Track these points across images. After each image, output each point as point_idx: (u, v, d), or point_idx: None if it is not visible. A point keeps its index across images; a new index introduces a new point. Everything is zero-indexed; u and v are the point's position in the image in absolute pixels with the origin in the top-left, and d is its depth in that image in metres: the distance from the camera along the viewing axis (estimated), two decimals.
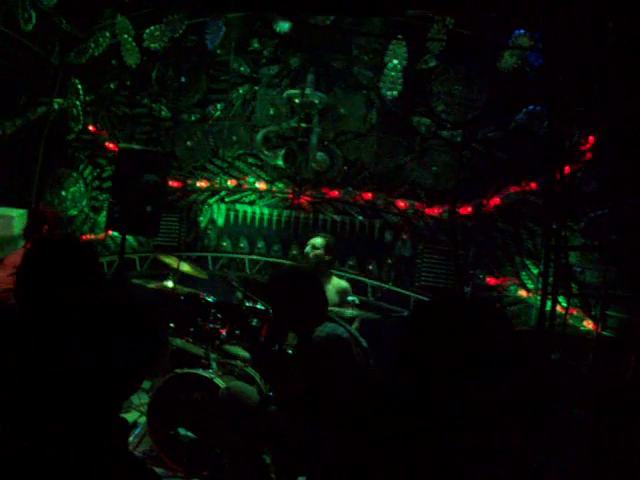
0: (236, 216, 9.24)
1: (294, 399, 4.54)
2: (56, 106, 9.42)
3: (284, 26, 8.77)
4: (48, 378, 2.10)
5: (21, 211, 8.03)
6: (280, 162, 9.02)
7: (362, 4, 8.25)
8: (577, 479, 5.74)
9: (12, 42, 8.62)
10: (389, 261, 8.73)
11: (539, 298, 7.22)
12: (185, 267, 7.16)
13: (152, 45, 8.96)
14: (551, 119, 7.61)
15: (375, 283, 8.73)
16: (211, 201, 9.33)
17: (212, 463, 5.63)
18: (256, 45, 9.00)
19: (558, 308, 6.90)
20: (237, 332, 6.49)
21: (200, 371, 6.01)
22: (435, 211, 8.58)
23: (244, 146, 9.23)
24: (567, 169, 7.26)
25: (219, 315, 6.54)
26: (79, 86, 9.39)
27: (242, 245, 9.16)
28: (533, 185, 8.14)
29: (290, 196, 9.07)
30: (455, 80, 8.52)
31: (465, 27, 8.22)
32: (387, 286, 8.70)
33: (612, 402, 6.16)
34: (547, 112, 7.88)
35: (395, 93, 8.54)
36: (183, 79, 9.30)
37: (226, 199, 9.29)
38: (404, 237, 8.70)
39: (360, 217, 8.85)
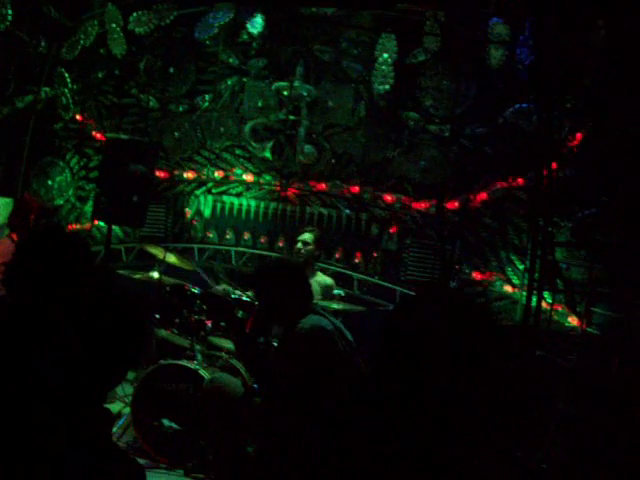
0: (223, 208, 9.22)
1: (278, 391, 4.54)
2: (44, 95, 9.37)
3: (257, 26, 8.73)
4: (33, 367, 2.09)
5: (7, 200, 8.01)
6: (268, 154, 9.01)
7: None
8: (561, 474, 5.76)
9: None
10: (375, 255, 8.74)
11: (524, 294, 7.24)
12: (171, 258, 7.13)
13: (137, 29, 8.91)
14: (539, 115, 7.62)
15: (361, 277, 8.74)
16: (198, 192, 9.30)
17: (196, 454, 5.63)
18: (245, 37, 8.97)
19: (543, 304, 6.92)
20: (222, 324, 6.48)
21: (185, 362, 6.00)
22: (422, 205, 8.59)
23: (232, 138, 9.22)
24: (554, 165, 7.27)
25: (204, 307, 6.53)
26: (66, 75, 9.33)
27: (228, 237, 9.14)
28: (520, 181, 8.16)
29: (277, 188, 9.06)
30: (444, 75, 8.52)
31: (454, 22, 8.23)
32: (373, 280, 8.71)
33: (596, 398, 6.19)
34: (535, 108, 7.89)
35: (387, 87, 8.54)
36: (171, 70, 9.26)
37: (213, 190, 9.27)
38: (391, 231, 8.70)
39: (347, 210, 8.85)
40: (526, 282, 7.20)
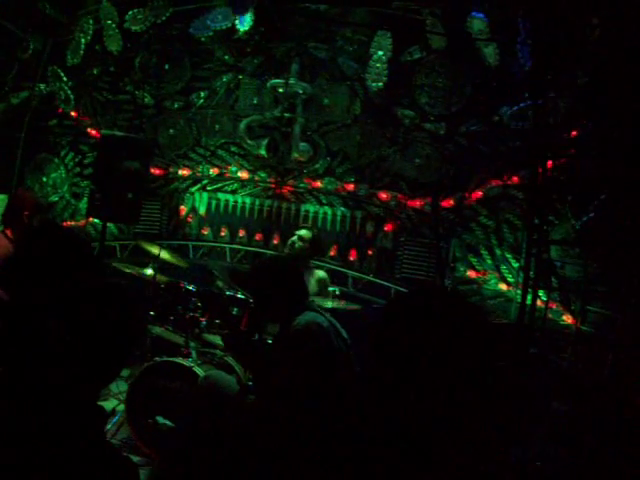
0: (218, 205, 9.22)
1: (273, 388, 4.54)
2: (39, 91, 9.34)
3: (245, 24, 8.71)
4: (27, 363, 2.08)
5: (1, 196, 7.97)
6: (263, 151, 9.01)
7: None
8: (555, 471, 5.77)
9: None
10: (370, 252, 8.74)
11: (519, 292, 7.24)
12: (166, 255, 7.12)
13: (133, 27, 8.89)
14: (535, 114, 7.62)
15: (356, 274, 8.74)
16: (193, 189, 9.30)
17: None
18: (241, 34, 8.95)
19: (538, 302, 6.93)
20: (217, 321, 6.48)
21: (179, 360, 5.99)
22: (417, 203, 8.59)
23: (227, 135, 9.22)
24: (549, 164, 7.27)
25: (199, 304, 6.52)
26: (61, 73, 9.30)
27: (223, 234, 9.14)
28: (515, 179, 8.17)
29: (272, 186, 9.07)
30: (439, 73, 8.52)
31: (450, 19, 8.24)
32: (368, 277, 8.71)
33: (591, 396, 6.20)
34: (531, 107, 7.89)
35: (380, 85, 8.53)
36: (167, 66, 9.25)
37: (208, 188, 9.27)
38: (386, 229, 8.71)
39: (342, 208, 8.85)
40: (521, 280, 7.21)
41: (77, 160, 9.62)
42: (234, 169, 9.14)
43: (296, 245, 7.06)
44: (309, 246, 7.10)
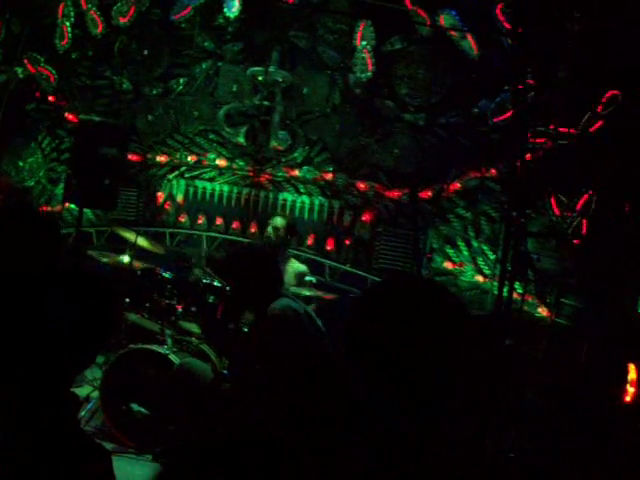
0: (195, 192, 9.19)
1: (249, 376, 4.54)
2: (21, 75, 9.27)
3: (233, 9, 8.67)
4: None
5: None
6: (241, 139, 8.98)
7: None
8: (529, 463, 5.81)
9: None
10: (347, 242, 8.75)
11: (495, 284, 7.27)
12: (142, 242, 7.09)
13: (122, 22, 8.87)
14: (514, 106, 7.64)
15: (333, 264, 8.74)
16: (170, 176, 9.26)
17: (164, 439, 5.61)
18: (221, 21, 8.91)
19: (514, 294, 6.96)
20: (193, 309, 6.46)
21: (155, 347, 5.98)
22: (395, 194, 8.60)
23: (205, 122, 9.18)
24: (528, 157, 7.30)
25: (175, 291, 6.50)
26: (40, 58, 9.22)
27: (201, 222, 9.11)
28: (493, 171, 8.20)
29: (250, 174, 9.04)
30: (419, 63, 8.52)
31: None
32: (345, 267, 8.71)
33: (565, 388, 6.24)
34: (510, 101, 7.91)
35: (369, 74, 8.52)
36: (146, 52, 9.19)
37: (186, 175, 9.23)
38: (363, 219, 8.71)
39: (320, 197, 8.85)
40: (497, 272, 7.24)
41: (54, 145, 9.54)
42: (212, 156, 9.11)
43: (272, 237, 7.03)
44: (285, 233, 7.07)
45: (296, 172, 8.90)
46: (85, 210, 8.03)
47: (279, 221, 7.11)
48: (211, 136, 9.17)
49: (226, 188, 9.09)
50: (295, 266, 7.19)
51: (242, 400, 4.54)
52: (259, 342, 4.61)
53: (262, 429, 4.29)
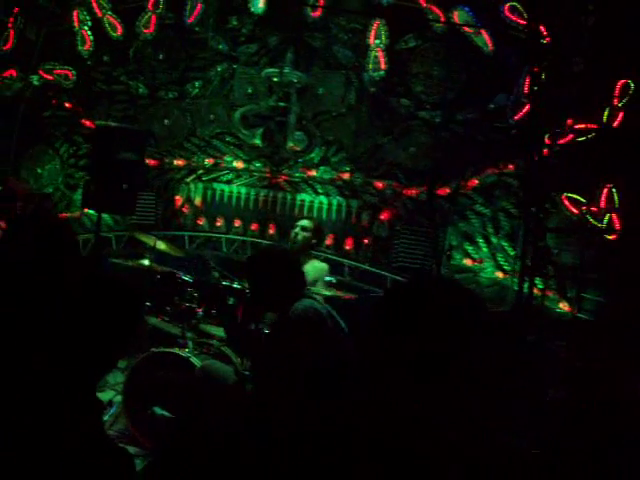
0: (213, 195, 9.21)
1: (271, 377, 4.54)
2: (36, 82, 9.32)
3: (258, 6, 8.69)
4: (23, 356, 2.07)
5: None
6: (258, 141, 8.99)
7: None
8: (551, 459, 5.77)
9: None
10: (366, 241, 8.74)
11: (515, 280, 7.25)
12: (161, 245, 7.10)
13: (147, 35, 9.00)
14: (530, 101, 7.61)
15: (352, 263, 8.73)
16: (188, 180, 9.28)
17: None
18: (235, 23, 8.93)
19: (534, 290, 6.93)
20: (213, 311, 6.47)
21: (176, 350, 5.98)
22: (413, 192, 8.58)
23: (222, 125, 9.20)
24: (545, 152, 7.27)
25: (195, 294, 6.51)
26: (55, 65, 9.28)
27: (219, 224, 9.12)
28: (510, 167, 8.17)
29: (268, 175, 9.05)
30: (434, 61, 8.51)
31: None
32: (364, 266, 8.70)
33: (587, 384, 6.20)
34: (527, 96, 7.88)
35: (382, 73, 8.53)
36: (161, 56, 9.22)
37: (203, 178, 9.25)
38: (381, 217, 8.70)
39: (338, 197, 8.84)
40: (517, 268, 7.21)
41: (72, 151, 9.60)
42: (229, 159, 9.12)
43: (299, 236, 6.97)
44: (312, 235, 7.03)
45: (313, 172, 8.90)
46: (104, 215, 8.06)
47: (307, 222, 7.07)
48: (228, 138, 9.18)
49: (244, 190, 9.10)
50: (317, 264, 7.17)
51: (264, 401, 4.54)
52: (281, 343, 4.60)
53: (284, 430, 4.29)
